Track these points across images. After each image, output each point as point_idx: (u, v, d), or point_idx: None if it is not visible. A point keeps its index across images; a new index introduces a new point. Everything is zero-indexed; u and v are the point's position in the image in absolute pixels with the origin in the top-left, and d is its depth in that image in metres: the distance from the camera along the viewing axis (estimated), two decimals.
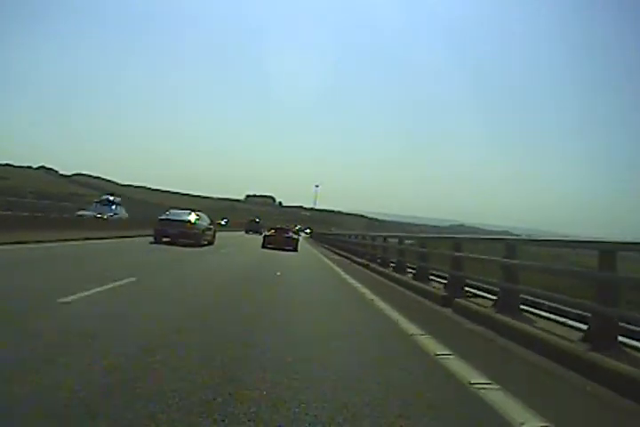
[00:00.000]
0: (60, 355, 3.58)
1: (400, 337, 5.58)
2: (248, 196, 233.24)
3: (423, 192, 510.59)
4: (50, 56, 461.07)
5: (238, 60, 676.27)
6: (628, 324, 5.06)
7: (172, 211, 21.90)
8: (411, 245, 14.24)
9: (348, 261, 20.47)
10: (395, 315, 7.00)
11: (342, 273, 14.42)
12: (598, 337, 4.73)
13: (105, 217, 26.22)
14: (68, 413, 2.59)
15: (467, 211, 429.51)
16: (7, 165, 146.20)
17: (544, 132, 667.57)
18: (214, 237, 22.93)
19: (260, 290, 8.71)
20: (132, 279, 7.92)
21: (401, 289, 11.01)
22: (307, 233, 78.14)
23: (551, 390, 4.03)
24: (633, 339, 5.12)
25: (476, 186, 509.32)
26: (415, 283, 10.65)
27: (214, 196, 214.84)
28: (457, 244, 9.12)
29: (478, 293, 8.20)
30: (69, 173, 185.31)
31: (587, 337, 4.82)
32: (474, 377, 3.98)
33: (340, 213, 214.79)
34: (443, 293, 8.66)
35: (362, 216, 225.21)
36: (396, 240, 15.45)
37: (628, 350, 4.78)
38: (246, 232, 51.38)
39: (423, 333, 5.71)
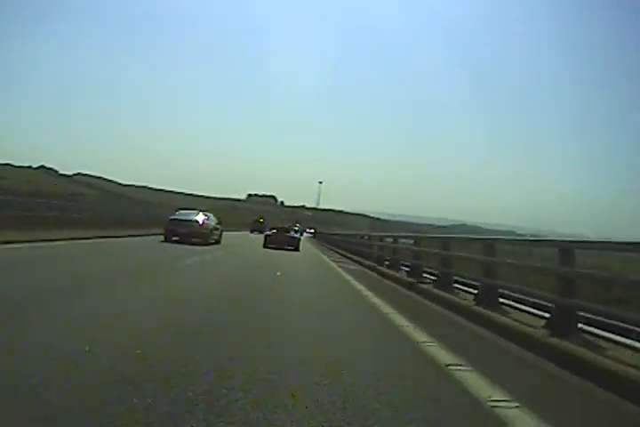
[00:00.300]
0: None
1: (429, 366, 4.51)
2: (249, 195, 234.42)
3: (425, 192, 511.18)
4: (50, 56, 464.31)
5: (238, 60, 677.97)
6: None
7: (180, 211, 23.08)
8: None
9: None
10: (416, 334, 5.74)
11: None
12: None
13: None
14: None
15: (468, 210, 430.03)
16: (6, 164, 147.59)
17: (544, 132, 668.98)
18: (221, 236, 24.02)
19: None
20: None
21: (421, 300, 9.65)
22: (310, 233, 74.96)
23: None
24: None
25: (477, 186, 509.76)
26: (437, 292, 9.25)
27: (215, 195, 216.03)
28: (488, 245, 7.85)
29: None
30: (70, 173, 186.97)
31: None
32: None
33: (342, 212, 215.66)
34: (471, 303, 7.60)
35: (364, 216, 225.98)
36: (407, 241, 14.99)
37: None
38: (251, 232, 52.43)
39: (432, 341, 5.41)
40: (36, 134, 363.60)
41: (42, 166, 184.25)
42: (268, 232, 26.72)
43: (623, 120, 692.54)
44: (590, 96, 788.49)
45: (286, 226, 30.35)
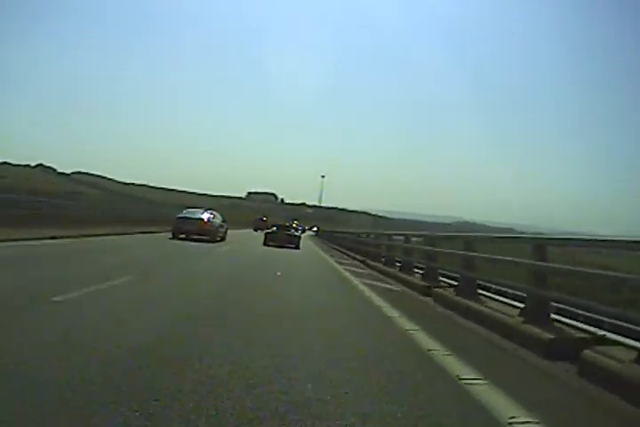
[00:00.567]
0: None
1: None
2: (249, 193, 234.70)
3: (425, 190, 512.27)
4: (50, 56, 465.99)
5: (238, 60, 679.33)
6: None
7: (188, 209, 24.44)
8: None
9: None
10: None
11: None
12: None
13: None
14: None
15: (470, 208, 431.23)
16: (5, 163, 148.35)
17: (544, 132, 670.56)
18: (226, 233, 25.55)
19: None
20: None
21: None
22: (314, 231, 73.08)
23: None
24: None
25: (478, 184, 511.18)
26: (458, 299, 8.35)
27: (215, 193, 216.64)
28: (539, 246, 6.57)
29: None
30: (68, 172, 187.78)
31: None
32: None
33: (344, 210, 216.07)
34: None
35: (367, 213, 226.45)
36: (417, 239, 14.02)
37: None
38: (254, 230, 53.67)
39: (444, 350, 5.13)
40: (35, 133, 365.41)
41: (40, 165, 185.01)
42: (268, 230, 27.22)
43: (623, 120, 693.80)
44: (590, 96, 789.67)
45: (286, 224, 30.87)
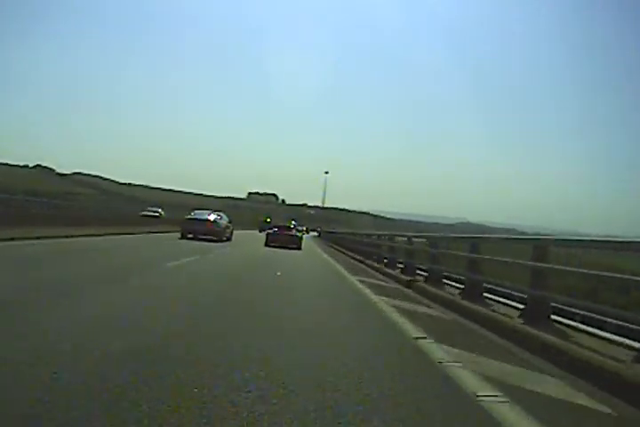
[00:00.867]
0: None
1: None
2: (250, 193, 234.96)
3: (425, 190, 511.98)
4: (50, 56, 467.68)
5: (238, 60, 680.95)
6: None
7: (196, 211, 25.84)
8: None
9: None
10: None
11: None
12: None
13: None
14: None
15: (471, 209, 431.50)
16: (2, 164, 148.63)
17: (544, 132, 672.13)
18: (232, 233, 26.94)
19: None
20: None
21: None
22: (317, 232, 72.15)
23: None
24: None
25: (479, 185, 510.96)
26: (466, 304, 7.69)
27: (216, 194, 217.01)
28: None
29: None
30: (68, 172, 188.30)
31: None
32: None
33: (346, 210, 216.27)
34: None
35: (368, 214, 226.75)
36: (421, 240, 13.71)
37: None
38: (260, 231, 54.01)
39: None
40: (34, 134, 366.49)
41: (38, 165, 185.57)
42: (270, 231, 27.08)
43: (623, 120, 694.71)
44: (590, 96, 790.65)
45: (288, 225, 30.93)
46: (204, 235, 23.34)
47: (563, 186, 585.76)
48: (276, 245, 24.57)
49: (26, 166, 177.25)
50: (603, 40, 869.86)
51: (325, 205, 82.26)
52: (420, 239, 14.66)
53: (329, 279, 12.17)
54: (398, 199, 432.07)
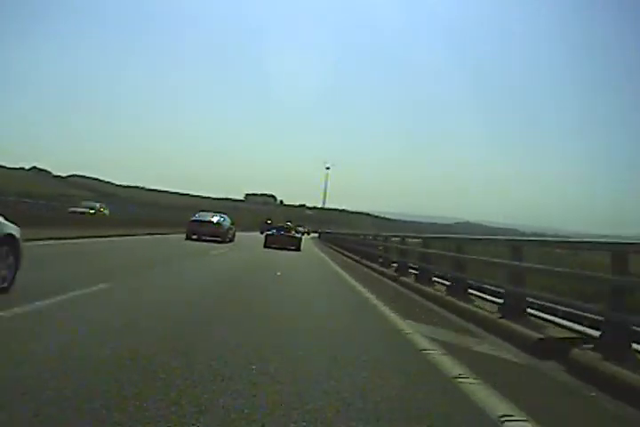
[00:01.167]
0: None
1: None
2: (248, 195, 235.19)
3: (425, 191, 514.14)
4: (50, 56, 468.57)
5: (238, 60, 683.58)
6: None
7: (200, 213, 27.35)
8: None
9: None
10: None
11: None
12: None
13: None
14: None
15: (469, 209, 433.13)
16: None
17: (544, 132, 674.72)
18: (234, 235, 28.33)
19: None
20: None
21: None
22: (316, 234, 70.87)
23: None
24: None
25: (478, 185, 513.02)
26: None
27: (214, 196, 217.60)
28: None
29: None
30: (65, 175, 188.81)
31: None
32: None
33: (345, 211, 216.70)
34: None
35: (367, 215, 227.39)
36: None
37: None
38: (261, 233, 54.51)
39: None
40: (32, 134, 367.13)
41: (34, 167, 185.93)
42: (269, 232, 27.39)
43: (623, 120, 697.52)
44: (590, 96, 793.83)
45: (291, 226, 31.54)
46: (208, 236, 24.63)
47: (563, 186, 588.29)
48: (276, 246, 24.87)
49: (22, 168, 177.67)
50: (603, 40, 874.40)
51: (325, 206, 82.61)
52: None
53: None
54: (398, 200, 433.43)
